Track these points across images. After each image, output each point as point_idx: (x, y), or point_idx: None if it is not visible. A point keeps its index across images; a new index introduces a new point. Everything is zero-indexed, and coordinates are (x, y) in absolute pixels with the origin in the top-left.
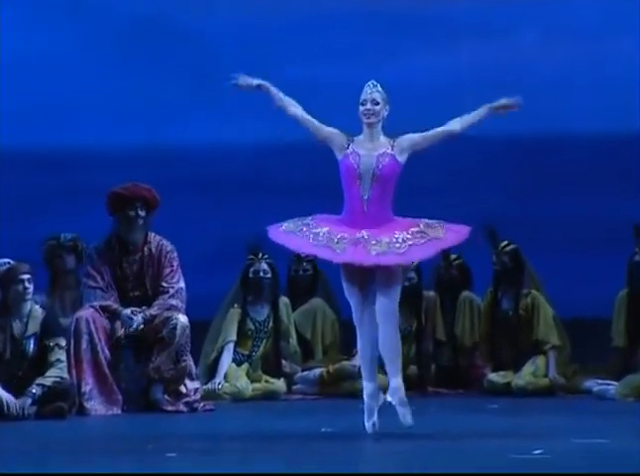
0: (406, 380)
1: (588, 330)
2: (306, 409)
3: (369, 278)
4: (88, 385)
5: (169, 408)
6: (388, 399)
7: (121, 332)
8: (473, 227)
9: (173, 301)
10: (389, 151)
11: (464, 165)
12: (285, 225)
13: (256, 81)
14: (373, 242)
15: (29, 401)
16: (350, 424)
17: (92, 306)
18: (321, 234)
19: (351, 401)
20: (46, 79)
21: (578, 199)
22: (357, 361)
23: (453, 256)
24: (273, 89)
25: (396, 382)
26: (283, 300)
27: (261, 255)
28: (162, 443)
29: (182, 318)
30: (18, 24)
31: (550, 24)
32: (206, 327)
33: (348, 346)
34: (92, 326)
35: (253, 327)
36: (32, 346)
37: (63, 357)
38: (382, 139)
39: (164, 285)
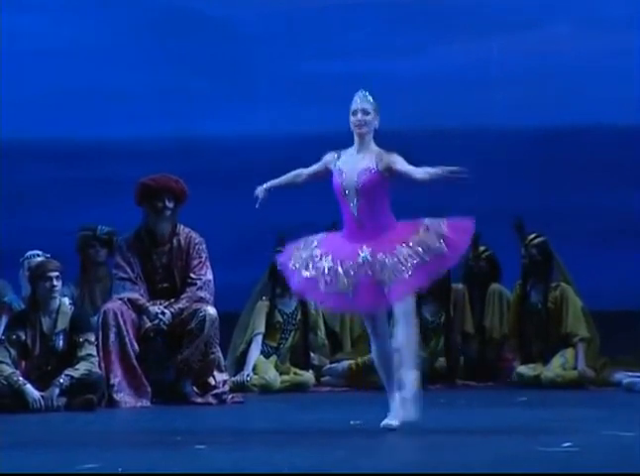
0: (435, 372)
1: (618, 322)
2: (334, 401)
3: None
4: (117, 377)
5: (198, 400)
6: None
7: (149, 325)
8: (483, 219)
9: (202, 293)
10: (372, 166)
11: (492, 158)
12: (293, 260)
13: (265, 187)
14: (378, 267)
15: (57, 391)
16: (379, 417)
17: (120, 299)
18: (326, 270)
19: (379, 393)
20: (75, 71)
21: (607, 191)
22: None
23: (482, 248)
24: (279, 181)
25: (414, 374)
26: None
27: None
28: (192, 435)
29: (211, 310)
30: (47, 13)
31: (579, 16)
32: (235, 319)
33: None
34: (120, 319)
35: (281, 319)
36: (61, 342)
37: (94, 352)
38: (372, 150)
39: (193, 276)
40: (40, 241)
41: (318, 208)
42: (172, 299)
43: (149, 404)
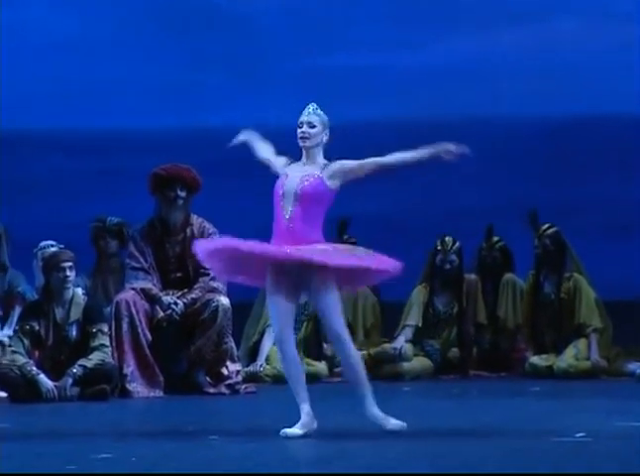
0: (448, 363)
1: (631, 313)
2: (347, 391)
3: (297, 285)
4: (130, 367)
5: (211, 390)
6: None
7: (162, 315)
8: (402, 269)
9: (215, 284)
10: (317, 173)
11: (505, 149)
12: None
13: (241, 138)
14: (299, 249)
15: (70, 380)
16: (391, 407)
17: (133, 289)
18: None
19: (392, 383)
20: (88, 62)
21: (619, 182)
22: (398, 343)
23: (495, 238)
24: (256, 144)
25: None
26: None
27: None
28: (204, 426)
29: (224, 300)
30: (58, 5)
31: (586, 9)
32: (247, 309)
33: (389, 329)
34: (133, 309)
35: None
36: (74, 332)
37: (107, 342)
38: (318, 163)
39: (206, 266)
40: (53, 232)
41: (334, 201)
42: (185, 289)
43: (161, 394)
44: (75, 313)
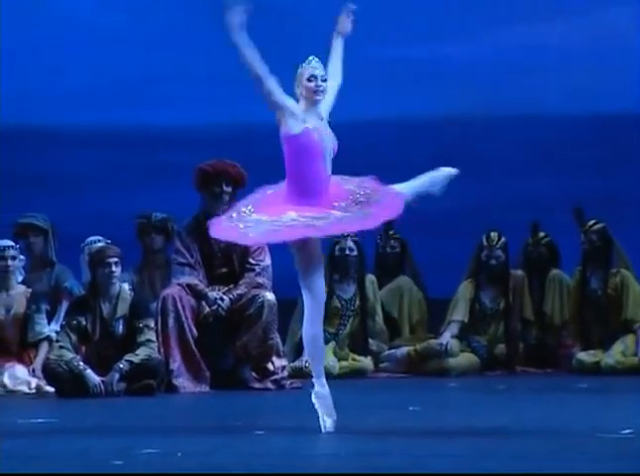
0: (495, 359)
1: None
2: (393, 387)
3: None
4: (176, 362)
5: (257, 385)
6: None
7: (207, 310)
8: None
9: (260, 279)
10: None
11: (552, 143)
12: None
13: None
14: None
15: (116, 376)
16: (437, 403)
17: (179, 284)
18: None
19: (438, 379)
20: (133, 57)
21: None
22: (444, 339)
23: (541, 234)
24: (251, 47)
25: None
26: (370, 278)
27: (346, 233)
28: (250, 421)
29: (269, 296)
30: None
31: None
32: (293, 305)
33: (435, 325)
34: (179, 304)
35: (339, 305)
36: (121, 328)
37: (153, 337)
38: (322, 116)
39: (252, 262)
40: (101, 227)
41: None
42: (231, 285)
43: (207, 389)
44: (122, 309)
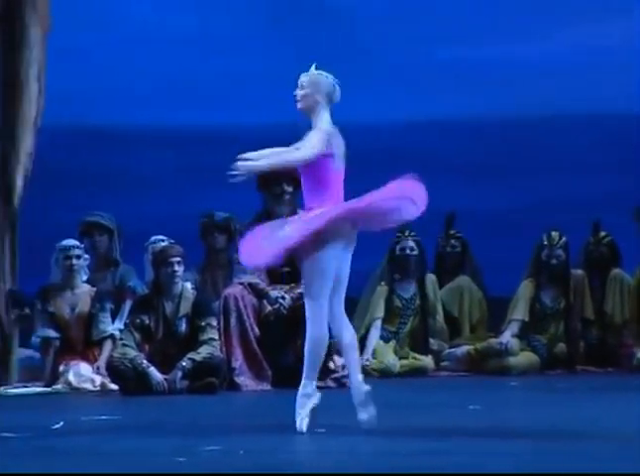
0: (555, 358)
1: None
2: (453, 386)
3: None
4: (238, 361)
5: (318, 383)
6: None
7: (269, 309)
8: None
9: None
10: None
11: (613, 143)
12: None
13: (264, 163)
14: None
15: (179, 374)
16: (497, 402)
17: (241, 283)
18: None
19: (498, 378)
20: (198, 58)
21: None
22: (504, 338)
23: (602, 233)
24: (276, 159)
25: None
26: (430, 278)
27: (407, 232)
28: (311, 419)
29: None
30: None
31: None
32: (354, 304)
33: (495, 324)
34: (241, 303)
35: (400, 304)
36: (183, 326)
37: (216, 336)
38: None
39: None
40: (165, 226)
41: (436, 195)
42: (293, 284)
43: (269, 387)
44: (185, 308)
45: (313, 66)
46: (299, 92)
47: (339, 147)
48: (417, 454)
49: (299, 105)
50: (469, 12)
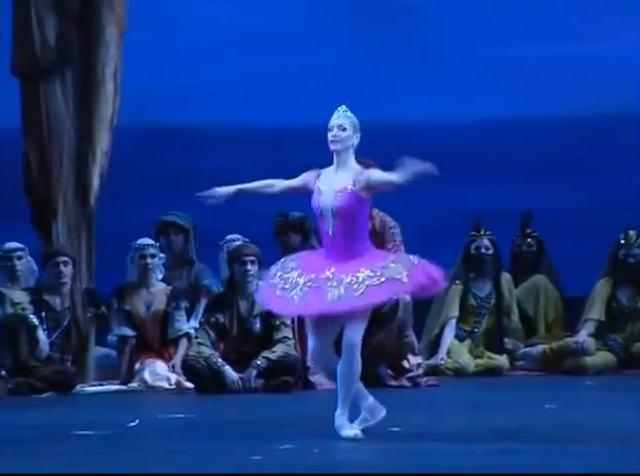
0: (632, 357)
1: None
2: (529, 385)
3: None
4: None
5: (392, 382)
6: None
7: None
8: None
9: None
10: (350, 187)
11: None
12: (271, 275)
13: (229, 191)
14: (335, 284)
15: (254, 372)
16: (573, 401)
17: None
18: (290, 280)
19: (575, 378)
20: (269, 56)
21: None
22: (580, 338)
23: None
24: (247, 186)
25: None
26: (505, 277)
27: (483, 231)
28: (387, 417)
29: None
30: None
31: None
32: (429, 303)
33: (571, 323)
34: None
35: (475, 303)
36: (258, 325)
37: (290, 334)
38: (349, 169)
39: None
40: (240, 225)
41: (511, 194)
42: None
43: None
44: (259, 306)
45: (344, 107)
46: (341, 134)
47: None
48: (492, 454)
49: (339, 146)
50: (539, 11)
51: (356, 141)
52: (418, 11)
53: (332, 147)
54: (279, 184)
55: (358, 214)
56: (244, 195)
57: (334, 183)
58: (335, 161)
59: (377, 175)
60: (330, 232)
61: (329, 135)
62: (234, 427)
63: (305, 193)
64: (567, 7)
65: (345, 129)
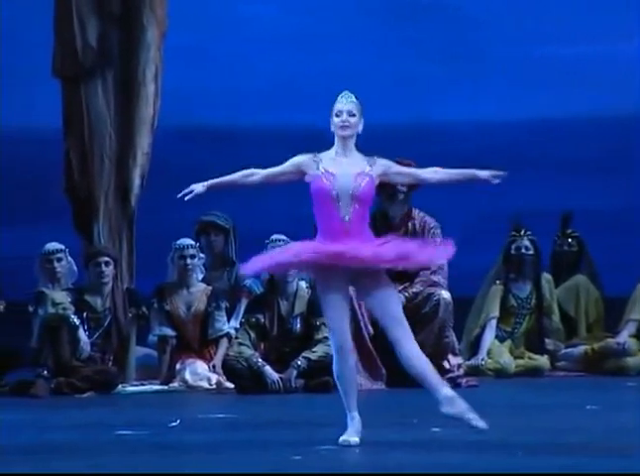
0: None
1: None
2: (570, 385)
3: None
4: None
5: None
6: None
7: None
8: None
9: (436, 277)
10: (367, 170)
11: None
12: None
13: (203, 185)
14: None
15: (294, 372)
16: (615, 402)
17: None
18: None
19: (616, 378)
20: (306, 57)
21: None
22: (622, 338)
23: None
24: (224, 180)
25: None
26: (546, 277)
27: (523, 231)
28: (427, 418)
29: (445, 294)
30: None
31: None
32: (469, 303)
33: (612, 323)
34: (355, 302)
35: (515, 304)
36: (298, 325)
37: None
38: (356, 154)
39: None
40: (283, 225)
41: (551, 195)
42: (407, 283)
43: (383, 386)
44: (299, 306)
45: (348, 92)
46: (351, 120)
47: None
48: (534, 454)
49: (349, 131)
50: (567, 11)
51: (360, 128)
52: (454, 10)
53: (341, 132)
54: (260, 173)
55: (371, 201)
56: (220, 189)
57: (347, 168)
58: (340, 145)
59: (396, 165)
60: (347, 218)
61: (337, 120)
62: (274, 427)
63: (294, 180)
64: (596, 7)
65: (354, 115)
